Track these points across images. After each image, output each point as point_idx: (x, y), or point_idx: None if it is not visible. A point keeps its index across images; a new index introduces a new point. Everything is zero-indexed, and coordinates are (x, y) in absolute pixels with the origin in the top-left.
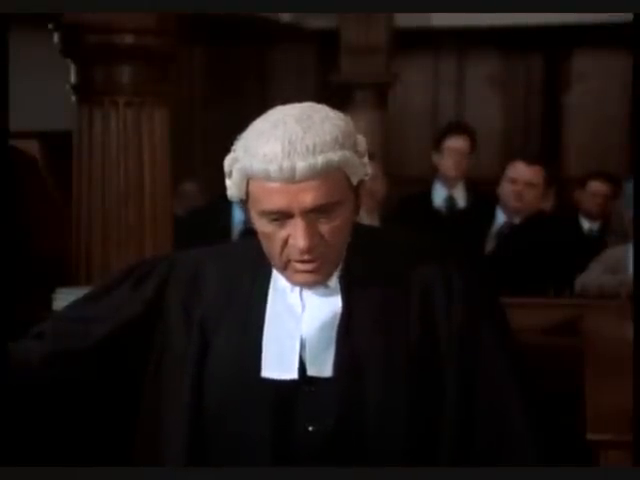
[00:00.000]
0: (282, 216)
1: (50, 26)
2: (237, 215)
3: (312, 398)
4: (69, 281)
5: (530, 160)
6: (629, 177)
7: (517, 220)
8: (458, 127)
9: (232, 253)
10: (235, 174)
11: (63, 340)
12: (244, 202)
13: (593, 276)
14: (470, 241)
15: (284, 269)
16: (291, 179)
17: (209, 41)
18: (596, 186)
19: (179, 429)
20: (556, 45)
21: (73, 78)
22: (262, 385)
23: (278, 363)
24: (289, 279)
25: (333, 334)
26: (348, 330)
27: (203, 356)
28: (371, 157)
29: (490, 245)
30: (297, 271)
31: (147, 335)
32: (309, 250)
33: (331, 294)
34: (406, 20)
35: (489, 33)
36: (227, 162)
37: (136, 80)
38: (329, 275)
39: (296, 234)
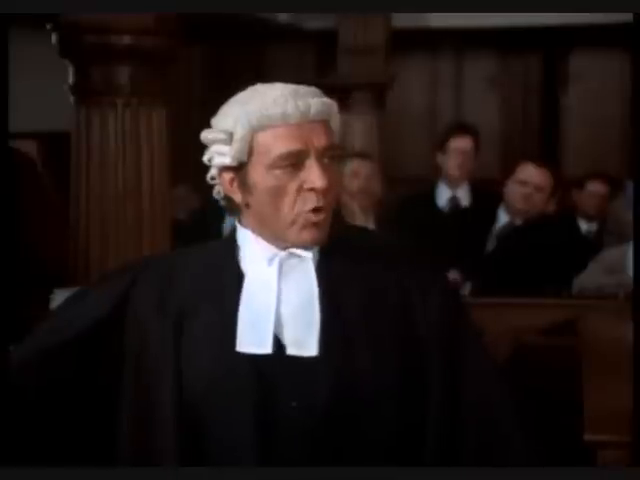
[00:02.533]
0: (296, 160)
1: (48, 26)
2: None
3: (296, 378)
4: (67, 282)
5: (540, 163)
6: (629, 178)
7: (519, 221)
8: (462, 127)
9: (202, 252)
10: (239, 132)
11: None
12: (243, 166)
13: (591, 277)
14: (472, 241)
15: (291, 225)
16: (307, 115)
17: (208, 41)
18: (595, 187)
19: (167, 425)
20: (554, 46)
21: (71, 79)
22: (242, 367)
23: (253, 337)
24: (296, 237)
25: (312, 312)
26: (332, 309)
27: (180, 350)
28: (365, 156)
29: (490, 245)
30: (307, 225)
31: (117, 334)
32: (326, 191)
33: (309, 271)
34: (404, 21)
35: (487, 34)
36: (219, 129)
37: (134, 81)
38: (325, 237)
39: (312, 176)
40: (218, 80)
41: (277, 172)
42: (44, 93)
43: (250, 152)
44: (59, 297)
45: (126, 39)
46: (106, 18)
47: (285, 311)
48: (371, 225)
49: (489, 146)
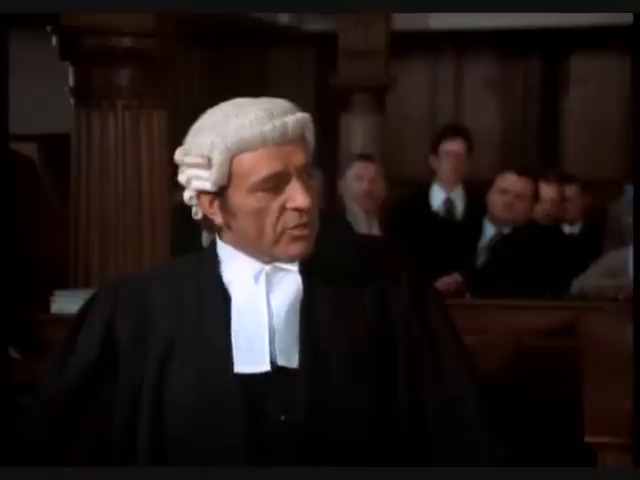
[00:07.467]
0: (277, 181)
1: (49, 29)
2: None
3: (283, 388)
4: (67, 283)
5: (521, 171)
6: (630, 180)
7: (506, 230)
8: (454, 130)
9: (173, 271)
10: (218, 157)
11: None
12: (224, 189)
13: (590, 279)
14: (463, 251)
15: (277, 243)
16: (285, 135)
17: (208, 43)
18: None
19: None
20: (554, 47)
21: (71, 81)
22: (233, 387)
23: (250, 357)
24: (282, 253)
25: (296, 324)
26: (311, 319)
27: (162, 379)
28: (369, 158)
29: (481, 258)
30: (293, 240)
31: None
32: (309, 208)
33: (296, 284)
34: (404, 23)
35: (487, 35)
36: (196, 154)
37: (134, 83)
38: (312, 248)
39: (296, 195)
40: (218, 82)
41: (259, 194)
42: (44, 95)
43: (230, 176)
44: (60, 299)
45: (126, 41)
46: (106, 21)
47: (275, 324)
48: (375, 228)
49: (489, 148)
